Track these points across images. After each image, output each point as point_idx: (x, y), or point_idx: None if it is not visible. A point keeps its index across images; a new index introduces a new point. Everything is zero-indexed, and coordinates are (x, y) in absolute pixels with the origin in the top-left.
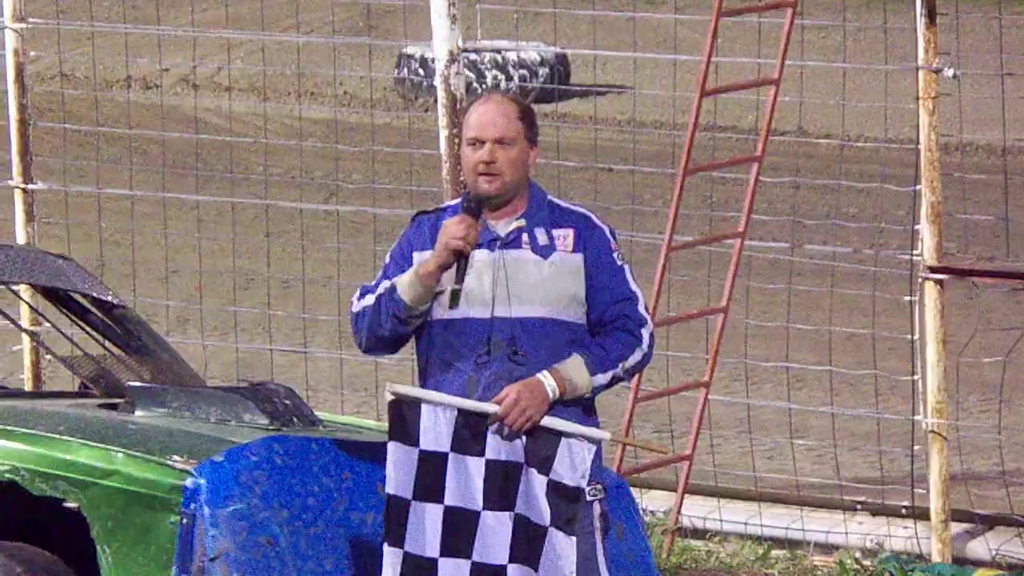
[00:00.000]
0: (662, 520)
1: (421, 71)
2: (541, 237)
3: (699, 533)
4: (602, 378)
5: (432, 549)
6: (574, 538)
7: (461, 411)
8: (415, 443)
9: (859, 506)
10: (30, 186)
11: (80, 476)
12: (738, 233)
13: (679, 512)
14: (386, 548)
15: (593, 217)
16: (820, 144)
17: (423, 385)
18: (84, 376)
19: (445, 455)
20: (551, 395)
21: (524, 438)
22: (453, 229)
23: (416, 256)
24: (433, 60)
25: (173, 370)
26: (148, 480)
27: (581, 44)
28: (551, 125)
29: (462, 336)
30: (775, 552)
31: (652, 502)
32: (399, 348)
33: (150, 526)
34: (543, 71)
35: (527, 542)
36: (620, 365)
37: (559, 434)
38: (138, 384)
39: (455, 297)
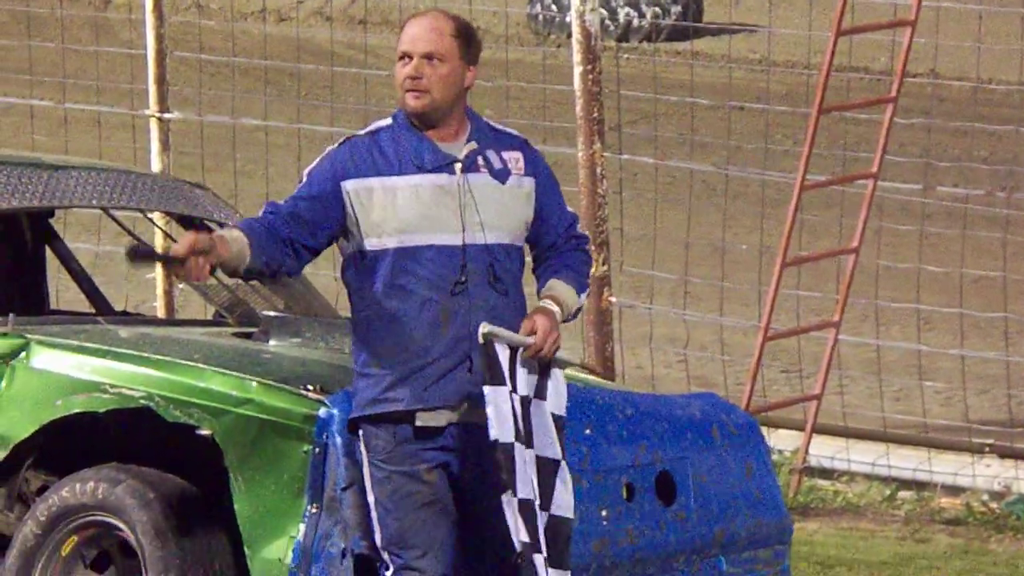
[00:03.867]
0: (790, 459)
1: (554, 7)
2: (495, 160)
3: (826, 473)
4: (582, 298)
5: (529, 491)
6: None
7: (511, 348)
8: (504, 383)
9: (987, 449)
10: (166, 115)
11: (214, 404)
12: (871, 174)
13: (807, 452)
14: (503, 499)
15: (527, 139)
16: (953, 86)
17: (369, 315)
18: (218, 305)
19: (513, 392)
20: (559, 320)
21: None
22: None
23: (344, 184)
24: None
25: (306, 300)
26: (281, 409)
27: None
28: (684, 63)
29: (427, 264)
30: (902, 493)
31: (780, 441)
32: (273, 278)
33: (282, 455)
34: (676, 9)
35: (542, 481)
36: (587, 283)
37: (551, 362)
38: (272, 313)
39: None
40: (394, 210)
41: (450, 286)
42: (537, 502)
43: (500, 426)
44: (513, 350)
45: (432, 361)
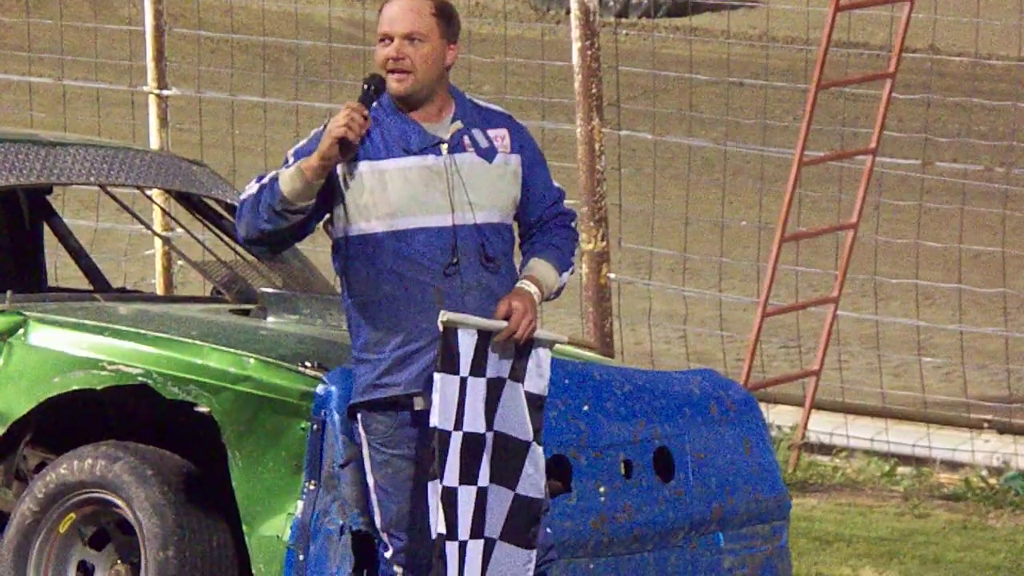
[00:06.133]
0: (788, 435)
1: None
2: (481, 139)
3: (825, 448)
4: (565, 276)
5: (453, 478)
6: (541, 448)
7: (480, 332)
8: (457, 371)
9: (986, 424)
10: (164, 92)
11: (212, 381)
12: (869, 150)
13: (806, 427)
14: (429, 485)
15: (512, 115)
16: (952, 61)
17: (362, 301)
18: (216, 281)
19: (465, 379)
20: (537, 301)
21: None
22: (338, 116)
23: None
24: None
25: (304, 277)
26: (279, 386)
27: None
28: (683, 39)
29: (419, 246)
30: (901, 469)
31: (779, 417)
32: (281, 248)
33: (280, 432)
34: None
35: (506, 460)
36: (572, 260)
37: (530, 343)
38: (270, 290)
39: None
40: (383, 194)
41: (442, 268)
42: (483, 486)
43: (442, 414)
44: (484, 334)
45: (427, 344)
